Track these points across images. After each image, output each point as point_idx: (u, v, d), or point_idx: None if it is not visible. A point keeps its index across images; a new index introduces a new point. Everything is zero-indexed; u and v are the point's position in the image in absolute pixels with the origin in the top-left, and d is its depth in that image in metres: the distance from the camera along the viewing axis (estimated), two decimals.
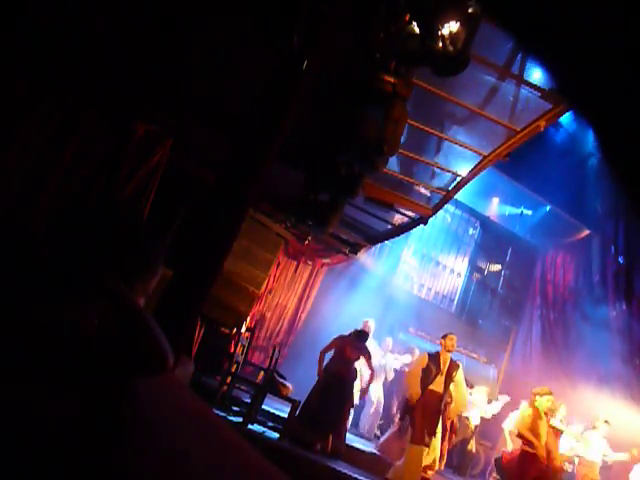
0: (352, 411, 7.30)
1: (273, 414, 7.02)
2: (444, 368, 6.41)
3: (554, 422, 6.31)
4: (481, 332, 12.10)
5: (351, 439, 7.45)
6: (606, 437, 7.65)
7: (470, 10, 3.29)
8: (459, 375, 6.54)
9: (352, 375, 6.83)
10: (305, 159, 5.23)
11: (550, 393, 6.03)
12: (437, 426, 6.36)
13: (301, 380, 7.31)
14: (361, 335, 6.93)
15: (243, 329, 7.48)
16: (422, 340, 10.80)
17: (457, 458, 8.82)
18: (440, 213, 7.87)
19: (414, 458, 6.19)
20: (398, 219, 7.39)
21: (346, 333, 7.00)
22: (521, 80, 4.72)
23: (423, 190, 6.56)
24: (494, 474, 8.59)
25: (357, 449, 7.04)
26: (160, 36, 4.18)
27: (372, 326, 8.28)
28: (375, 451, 7.32)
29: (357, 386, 7.36)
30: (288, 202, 6.53)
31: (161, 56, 4.42)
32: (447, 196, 6.32)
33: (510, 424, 7.56)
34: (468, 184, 6.12)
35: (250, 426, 6.08)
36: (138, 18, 4.03)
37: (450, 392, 6.53)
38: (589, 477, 7.37)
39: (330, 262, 9.93)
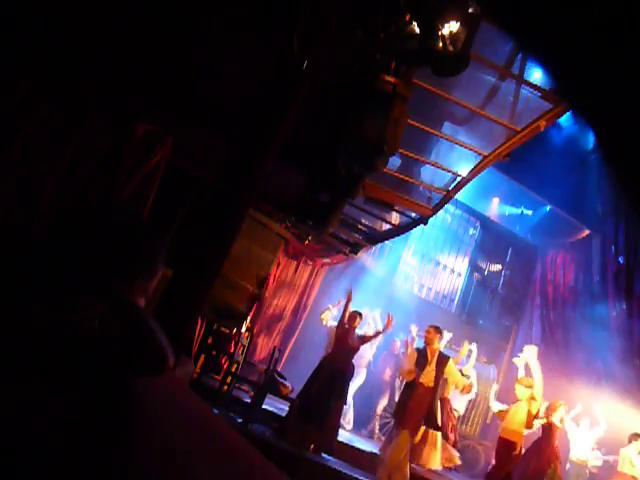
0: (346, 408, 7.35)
1: (273, 414, 7.02)
2: (432, 359, 6.42)
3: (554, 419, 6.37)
4: (481, 332, 12.09)
5: (351, 439, 7.46)
6: (606, 438, 7.66)
7: (470, 10, 3.29)
8: (450, 366, 6.57)
9: (350, 369, 6.85)
10: (305, 159, 5.23)
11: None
12: (422, 420, 6.37)
13: (301, 380, 7.30)
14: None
15: (243, 329, 7.48)
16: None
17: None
18: (440, 213, 7.86)
19: (399, 444, 6.22)
20: (398, 219, 7.39)
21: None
22: (521, 80, 4.72)
23: (423, 190, 6.56)
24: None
25: (357, 449, 7.04)
26: (160, 36, 4.18)
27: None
28: (376, 451, 7.32)
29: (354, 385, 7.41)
30: (288, 202, 6.53)
31: (161, 56, 4.42)
32: (447, 196, 6.32)
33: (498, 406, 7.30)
34: (468, 184, 6.12)
35: (250, 426, 6.08)
36: (139, 18, 4.03)
37: (445, 385, 6.58)
38: None
39: (330, 262, 9.93)
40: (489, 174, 7.32)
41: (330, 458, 6.29)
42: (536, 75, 4.69)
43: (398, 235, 8.19)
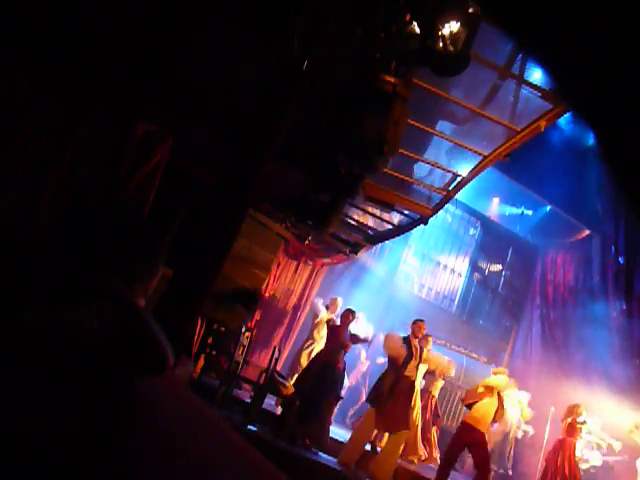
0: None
1: (273, 414, 7.02)
2: (416, 354, 6.44)
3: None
4: (481, 332, 12.11)
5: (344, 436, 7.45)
6: (606, 438, 7.67)
7: (470, 10, 3.29)
8: (426, 352, 6.64)
9: (341, 366, 6.86)
10: (305, 159, 5.23)
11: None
12: (408, 412, 6.37)
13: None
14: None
15: (243, 329, 7.48)
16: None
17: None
18: (440, 213, 7.86)
19: (393, 445, 6.24)
20: (398, 219, 7.39)
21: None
22: (521, 80, 4.73)
23: (423, 190, 6.56)
24: None
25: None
26: (160, 36, 4.18)
27: (339, 304, 8.32)
28: (368, 448, 7.31)
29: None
30: (288, 202, 6.53)
31: (161, 56, 4.42)
32: (447, 196, 6.32)
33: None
34: (468, 184, 6.12)
35: (250, 426, 6.08)
36: (139, 18, 4.03)
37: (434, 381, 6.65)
38: None
39: (330, 262, 9.92)
40: (489, 174, 7.31)
41: (330, 458, 6.29)
42: (536, 75, 4.69)
43: (398, 235, 8.19)
